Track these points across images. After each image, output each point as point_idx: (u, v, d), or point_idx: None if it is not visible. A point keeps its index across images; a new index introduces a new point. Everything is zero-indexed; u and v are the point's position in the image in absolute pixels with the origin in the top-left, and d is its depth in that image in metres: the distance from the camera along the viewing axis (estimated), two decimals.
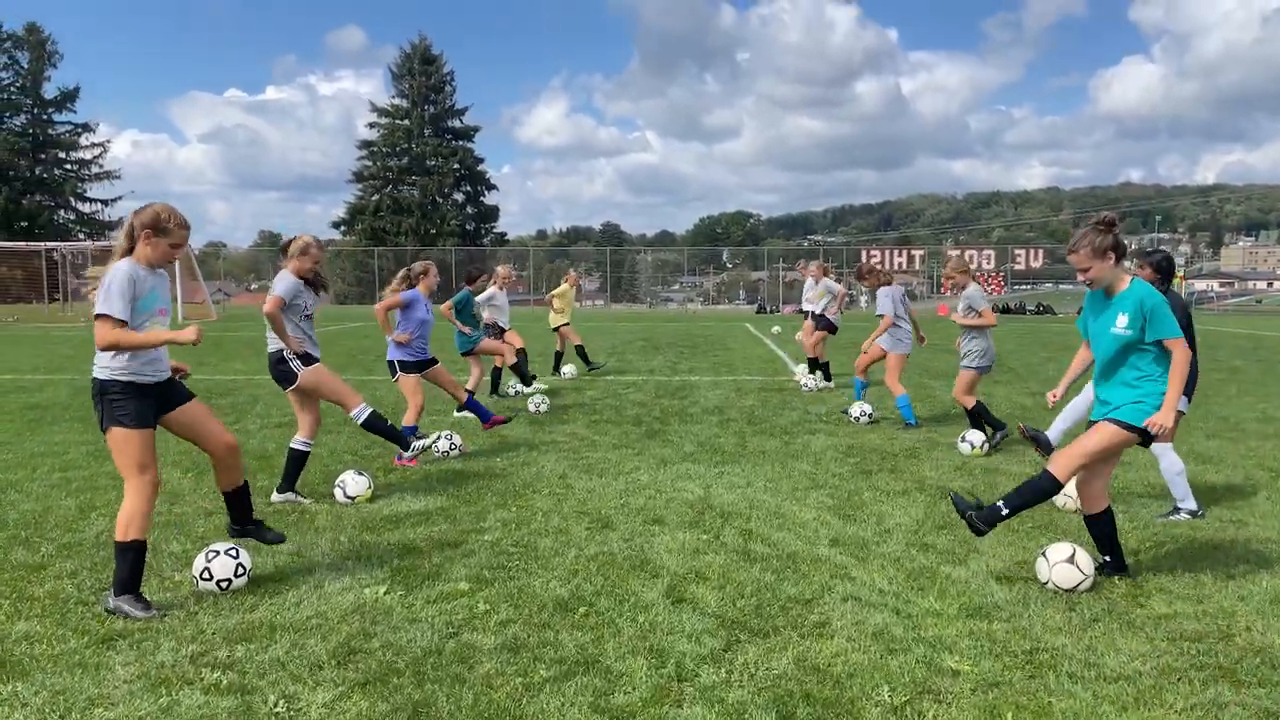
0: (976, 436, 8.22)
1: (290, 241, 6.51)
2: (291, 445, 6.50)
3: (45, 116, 65.97)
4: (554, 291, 15.41)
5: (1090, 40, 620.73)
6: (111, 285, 4.29)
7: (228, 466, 4.79)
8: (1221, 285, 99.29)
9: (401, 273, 8.41)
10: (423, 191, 70.90)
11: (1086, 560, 4.55)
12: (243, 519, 4.96)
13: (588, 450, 8.41)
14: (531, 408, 10.60)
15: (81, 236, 59.13)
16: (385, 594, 4.55)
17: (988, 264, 47.81)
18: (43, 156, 65.91)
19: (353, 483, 6.43)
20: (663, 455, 8.19)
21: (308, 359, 6.34)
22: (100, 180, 68.18)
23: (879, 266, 10.61)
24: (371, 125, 72.59)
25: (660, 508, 6.29)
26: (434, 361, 8.29)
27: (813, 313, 13.42)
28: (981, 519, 4.64)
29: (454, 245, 62.90)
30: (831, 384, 13.10)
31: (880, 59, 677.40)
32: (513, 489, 6.85)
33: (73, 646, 3.93)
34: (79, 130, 67.31)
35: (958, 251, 48.14)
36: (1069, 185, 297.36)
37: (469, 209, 74.37)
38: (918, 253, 52.84)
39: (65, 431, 9.41)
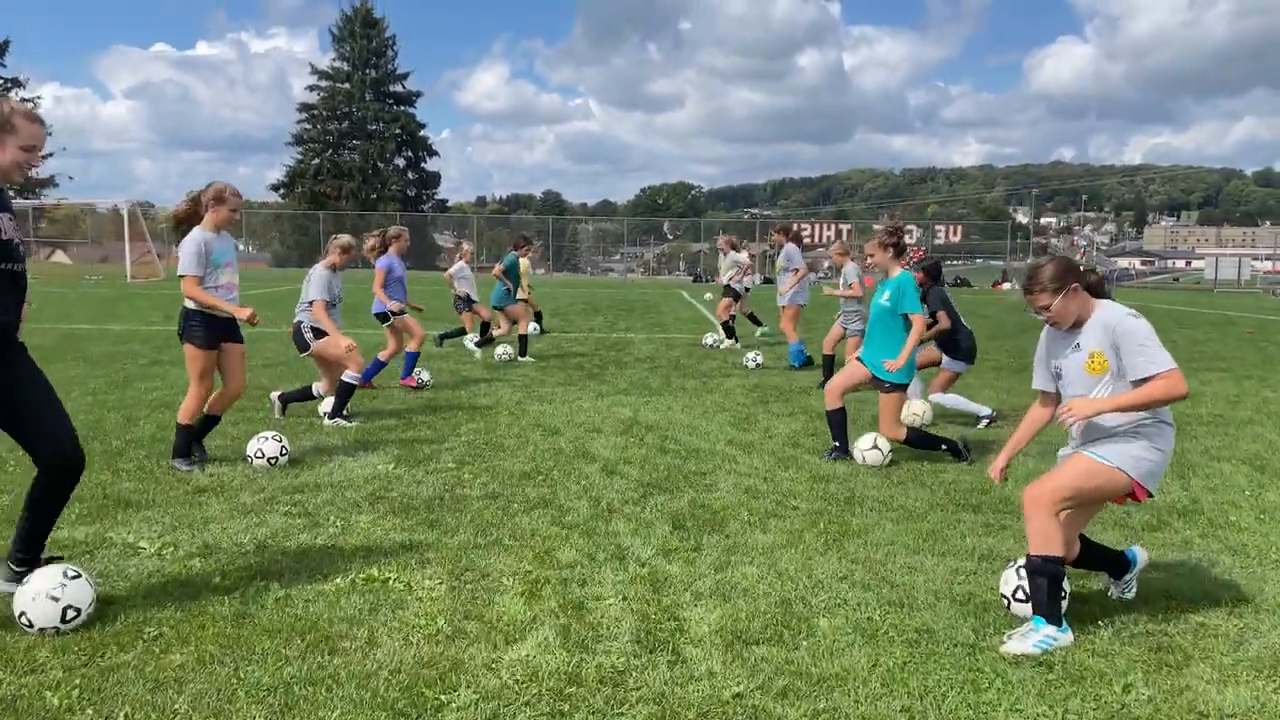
0: None
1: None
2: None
3: None
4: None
5: (1027, 19, 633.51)
6: (185, 251, 5.83)
7: (229, 399, 6.33)
8: (1143, 264, 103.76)
9: (376, 238, 9.76)
10: (363, 156, 71.15)
11: (885, 443, 6.50)
12: (200, 436, 6.33)
13: (538, 386, 10.05)
14: (496, 356, 12.18)
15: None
16: (393, 469, 6.17)
17: (910, 239, 50.27)
18: None
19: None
20: (600, 390, 9.87)
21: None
22: None
23: (792, 227, 12.46)
24: (311, 88, 72.51)
25: (598, 423, 7.96)
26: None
27: (726, 285, 15.02)
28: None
29: (395, 210, 63.46)
30: (737, 343, 14.27)
31: (822, 32, 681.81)
32: (479, 411, 8.47)
33: (173, 495, 5.47)
34: (9, 85, 66.04)
35: (845, 229, 50.63)
36: (1002, 163, 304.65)
37: (410, 174, 74.83)
38: (845, 227, 55.21)
39: (74, 368, 10.70)
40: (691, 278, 53.68)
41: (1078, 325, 3.80)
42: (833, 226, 55.10)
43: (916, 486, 5.95)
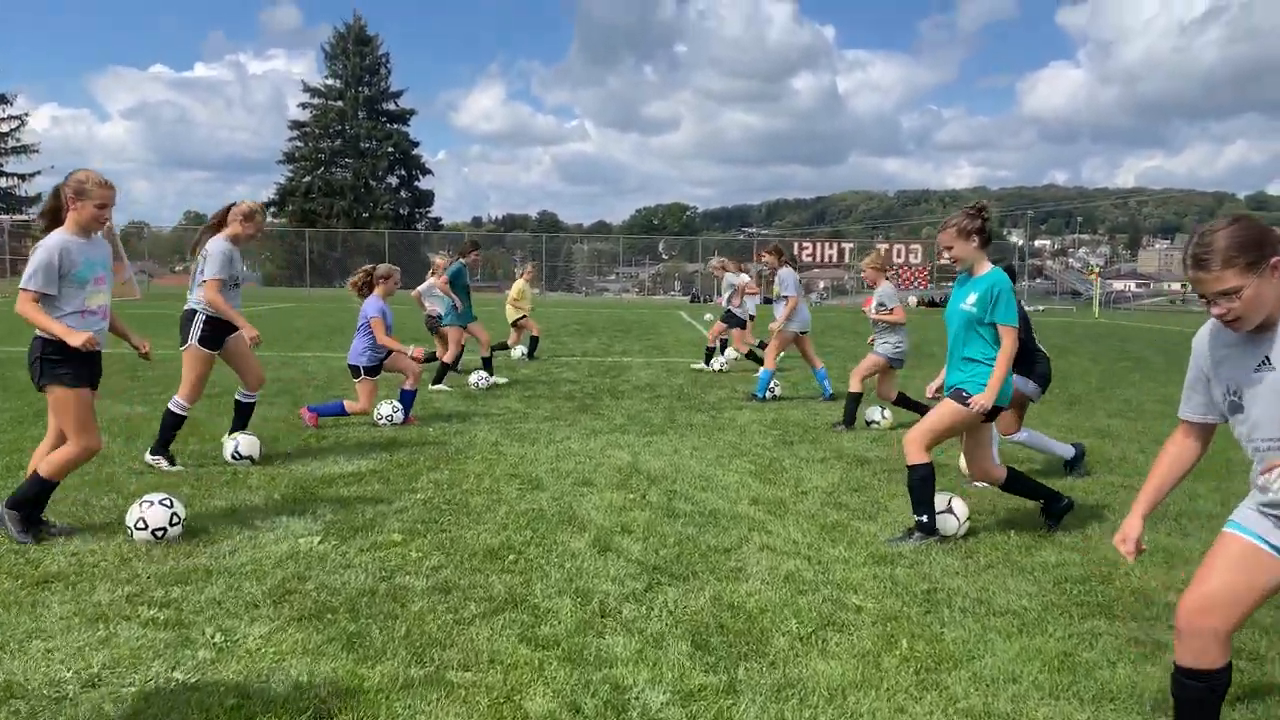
0: (875, 412, 8.62)
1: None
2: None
3: None
4: (512, 293, 15.35)
5: (1019, 43, 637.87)
6: (32, 261, 4.40)
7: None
8: (1138, 286, 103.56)
9: (361, 275, 8.40)
10: (355, 174, 69.82)
11: (962, 507, 4.99)
12: (36, 506, 4.73)
13: (520, 422, 8.58)
14: (471, 383, 10.72)
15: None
16: (319, 543, 4.69)
17: (915, 259, 48.97)
18: None
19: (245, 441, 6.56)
20: (593, 427, 8.40)
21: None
22: (18, 154, 65.58)
23: (782, 248, 10.79)
24: (304, 105, 71.27)
25: (589, 471, 6.50)
26: (386, 354, 8.28)
27: (726, 310, 13.56)
28: (923, 533, 4.89)
29: (386, 229, 62.03)
30: (716, 366, 13.10)
31: (816, 56, 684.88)
32: (446, 454, 7.00)
33: (7, 588, 3.99)
34: None
35: (881, 248, 49.04)
36: (996, 185, 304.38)
37: (403, 193, 73.49)
38: (848, 246, 53.84)
39: None
40: (689, 298, 52.29)
41: (1264, 328, 2.38)
42: (834, 245, 53.74)
43: (1011, 572, 4.48)
